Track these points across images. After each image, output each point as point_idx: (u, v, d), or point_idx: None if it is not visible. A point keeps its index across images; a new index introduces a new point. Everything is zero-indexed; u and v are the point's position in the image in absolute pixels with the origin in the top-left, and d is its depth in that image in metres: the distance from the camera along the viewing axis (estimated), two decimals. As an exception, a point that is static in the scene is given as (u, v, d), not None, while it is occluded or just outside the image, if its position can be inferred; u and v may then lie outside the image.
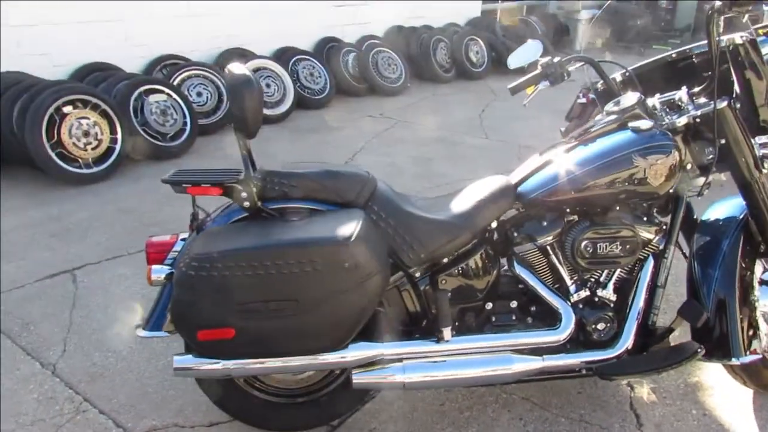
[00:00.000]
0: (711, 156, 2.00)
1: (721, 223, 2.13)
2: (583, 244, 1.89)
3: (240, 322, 1.62)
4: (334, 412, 2.09)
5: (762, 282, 2.25)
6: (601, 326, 1.98)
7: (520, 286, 2.01)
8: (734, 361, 1.97)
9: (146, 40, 5.71)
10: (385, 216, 1.83)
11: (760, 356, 2.03)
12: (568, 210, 1.96)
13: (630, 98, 2.02)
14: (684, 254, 2.17)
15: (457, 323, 1.97)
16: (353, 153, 5.12)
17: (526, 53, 2.28)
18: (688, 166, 2.05)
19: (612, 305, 2.00)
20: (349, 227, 1.64)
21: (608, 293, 2.00)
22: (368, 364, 1.85)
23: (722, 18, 1.85)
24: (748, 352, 1.99)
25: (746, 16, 1.83)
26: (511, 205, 1.97)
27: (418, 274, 1.90)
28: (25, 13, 4.92)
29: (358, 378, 1.84)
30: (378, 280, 1.68)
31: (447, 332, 1.85)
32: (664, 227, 2.02)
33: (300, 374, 2.00)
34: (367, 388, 1.89)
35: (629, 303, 2.01)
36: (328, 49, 7.18)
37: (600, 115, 2.10)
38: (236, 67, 1.75)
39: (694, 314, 1.99)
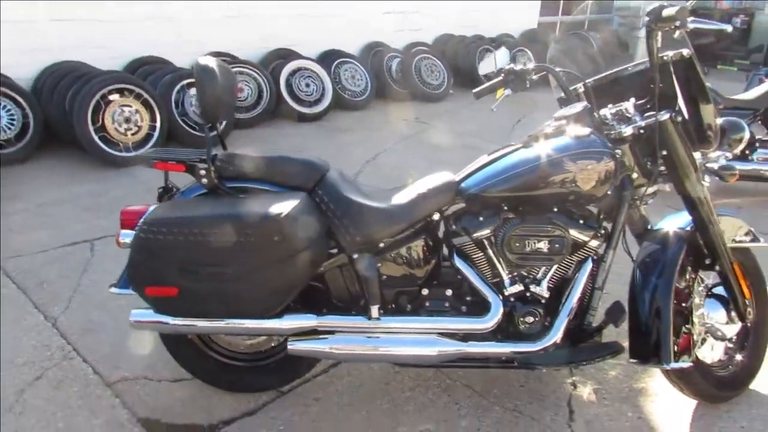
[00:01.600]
0: (654, 166, 2.08)
1: (668, 233, 2.18)
2: (512, 239, 2.01)
3: (182, 282, 1.84)
4: (283, 379, 2.29)
5: (710, 294, 2.30)
6: (529, 320, 2.07)
7: (459, 276, 2.14)
8: (664, 366, 2.03)
9: (198, 38, 6.12)
10: (327, 200, 2.00)
11: (691, 364, 2.07)
12: (505, 207, 2.08)
13: (576, 107, 2.12)
14: (633, 260, 2.24)
15: (393, 305, 2.13)
16: (376, 154, 5.31)
17: (495, 61, 2.41)
18: (634, 175, 2.13)
19: (543, 301, 2.10)
20: (284, 206, 1.82)
21: (541, 290, 2.09)
22: (305, 333, 2.04)
23: (659, 33, 1.93)
24: (678, 359, 2.04)
25: (677, 32, 1.90)
26: (452, 199, 2.10)
27: (356, 256, 2.06)
28: (88, 9, 5.39)
29: (293, 345, 2.02)
30: (307, 256, 1.86)
31: (374, 310, 2.01)
32: (603, 232, 2.11)
33: (250, 339, 2.21)
34: (300, 355, 2.06)
35: (563, 301, 2.10)
36: (373, 53, 7.42)
37: (549, 122, 2.20)
38: (202, 59, 1.97)
39: (616, 316, 2.07)
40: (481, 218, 2.07)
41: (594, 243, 2.09)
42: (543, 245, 2.01)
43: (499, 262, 2.09)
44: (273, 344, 2.26)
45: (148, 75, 5.34)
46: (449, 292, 2.13)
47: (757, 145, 4.59)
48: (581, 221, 2.07)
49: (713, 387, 2.23)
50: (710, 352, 2.32)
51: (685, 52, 2.00)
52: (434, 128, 6.23)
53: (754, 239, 2.33)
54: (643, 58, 2.07)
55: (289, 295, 1.90)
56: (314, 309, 2.07)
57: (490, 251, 2.09)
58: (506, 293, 2.09)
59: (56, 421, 2.12)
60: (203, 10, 6.13)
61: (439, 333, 2.05)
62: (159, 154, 2.05)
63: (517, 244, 2.01)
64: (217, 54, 6.16)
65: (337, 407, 2.24)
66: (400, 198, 2.07)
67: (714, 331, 2.26)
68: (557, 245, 2.01)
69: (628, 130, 2.06)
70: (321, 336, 2.03)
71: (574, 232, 2.05)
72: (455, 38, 8.42)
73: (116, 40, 5.63)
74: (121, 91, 4.79)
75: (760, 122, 4.62)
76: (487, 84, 2.36)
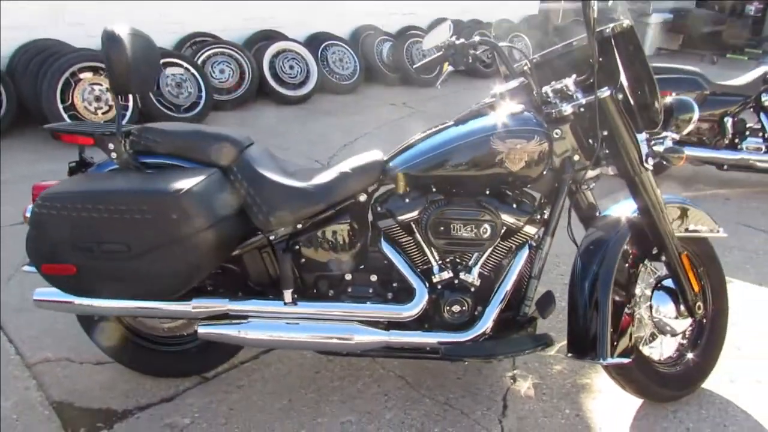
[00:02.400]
0: (595, 147, 1.94)
1: (613, 220, 2.05)
2: (437, 222, 1.88)
3: (80, 261, 1.74)
4: (206, 364, 2.20)
5: (660, 287, 2.16)
6: (456, 308, 1.95)
7: (386, 262, 2.02)
8: (601, 362, 1.91)
9: (181, 18, 6.00)
10: (241, 178, 1.89)
11: (630, 360, 1.95)
12: (434, 189, 1.95)
13: (513, 83, 1.99)
14: (578, 247, 2.11)
15: (315, 290, 2.02)
16: (356, 137, 5.19)
17: (438, 34, 2.27)
18: (576, 157, 1.99)
19: (473, 289, 1.98)
20: (187, 182, 1.72)
21: (471, 277, 1.97)
22: (216, 317, 1.94)
23: (595, 3, 1.79)
24: (617, 354, 1.92)
25: (610, 1, 1.76)
26: (377, 179, 1.97)
27: (273, 237, 1.95)
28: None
29: (204, 329, 1.92)
30: (211, 235, 1.74)
31: (288, 295, 1.90)
32: (540, 217, 1.98)
33: (168, 322, 2.11)
34: (210, 340, 1.96)
35: (494, 289, 1.98)
36: (364, 36, 7.27)
37: (485, 98, 2.07)
38: (111, 26, 1.86)
39: (545, 306, 1.95)
40: (407, 200, 1.95)
41: (530, 229, 1.97)
42: (470, 229, 1.89)
43: (428, 247, 1.97)
44: (195, 327, 2.15)
45: (126, 54, 5.24)
46: (374, 278, 2.02)
47: (748, 133, 4.40)
48: (515, 205, 1.94)
49: (657, 385, 2.11)
50: (659, 348, 2.19)
51: (626, 23, 1.86)
52: (420, 113, 6.08)
53: (712, 229, 2.18)
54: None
55: (193, 276, 1.79)
56: (231, 292, 1.97)
57: (417, 235, 1.97)
58: (434, 280, 1.97)
59: (-37, 402, 2.05)
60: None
61: (359, 320, 1.94)
62: (69, 126, 1.96)
63: (442, 228, 1.89)
64: (199, 34, 6.06)
65: (259, 395, 2.14)
66: (322, 177, 1.95)
67: (662, 326, 2.13)
68: (486, 230, 1.89)
69: (568, 109, 1.92)
70: (233, 321, 1.92)
71: (506, 217, 1.92)
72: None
73: (96, 19, 5.52)
74: (95, 70, 4.70)
75: (751, 109, 4.43)
76: (427, 59, 2.23)
